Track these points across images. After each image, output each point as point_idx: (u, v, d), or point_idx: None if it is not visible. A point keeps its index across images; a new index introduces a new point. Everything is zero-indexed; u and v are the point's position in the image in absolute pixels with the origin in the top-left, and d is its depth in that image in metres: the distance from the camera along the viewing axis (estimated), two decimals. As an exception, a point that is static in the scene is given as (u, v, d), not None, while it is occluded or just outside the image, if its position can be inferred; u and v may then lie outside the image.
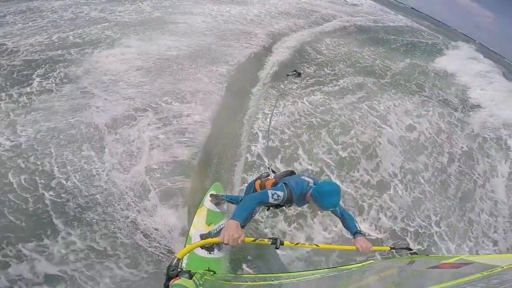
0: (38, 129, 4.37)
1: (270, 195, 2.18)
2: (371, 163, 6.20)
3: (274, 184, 2.68)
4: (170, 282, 1.37)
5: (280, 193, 2.26)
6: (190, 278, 1.40)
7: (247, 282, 1.88)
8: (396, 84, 10.83)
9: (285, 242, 1.87)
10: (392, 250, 2.39)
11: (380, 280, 1.88)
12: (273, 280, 1.70)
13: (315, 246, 2.05)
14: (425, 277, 1.43)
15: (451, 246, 5.10)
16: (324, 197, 2.15)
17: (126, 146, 4.48)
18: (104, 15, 9.33)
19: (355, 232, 2.30)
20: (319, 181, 2.46)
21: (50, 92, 5.25)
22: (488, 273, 0.88)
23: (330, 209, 2.23)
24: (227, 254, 3.35)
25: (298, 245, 2.01)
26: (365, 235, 2.28)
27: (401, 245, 2.42)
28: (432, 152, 7.42)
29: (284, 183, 2.38)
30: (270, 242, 1.84)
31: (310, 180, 2.47)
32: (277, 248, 1.85)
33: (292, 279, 1.67)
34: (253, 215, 2.79)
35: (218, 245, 3.16)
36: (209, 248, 3.10)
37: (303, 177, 2.53)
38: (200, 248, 3.05)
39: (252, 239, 1.82)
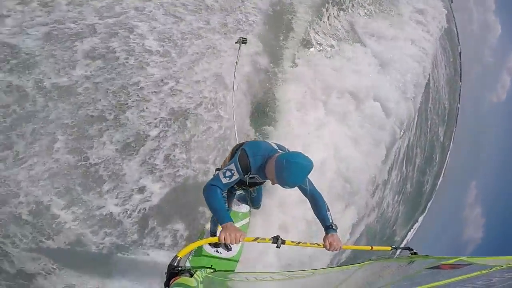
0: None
1: (221, 176, 1.84)
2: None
3: (231, 158, 2.16)
4: (171, 280, 1.38)
5: (232, 166, 1.87)
6: (191, 277, 1.41)
7: (247, 279, 1.88)
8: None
9: (286, 241, 1.86)
10: (392, 249, 2.39)
11: (381, 279, 1.88)
12: (272, 278, 1.71)
13: (316, 246, 2.04)
14: (425, 277, 1.44)
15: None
16: (293, 168, 1.69)
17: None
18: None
19: (328, 227, 1.92)
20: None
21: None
22: (487, 271, 0.89)
23: (288, 187, 1.78)
24: (238, 255, 3.26)
25: (300, 244, 1.99)
26: (337, 230, 1.91)
27: (401, 245, 2.42)
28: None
29: (241, 149, 1.95)
30: (271, 241, 1.83)
31: (275, 146, 2.01)
32: (278, 247, 1.84)
33: (291, 277, 1.68)
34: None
35: (226, 245, 3.14)
36: (216, 244, 3.11)
37: (268, 142, 2.07)
38: (209, 246, 3.08)
39: (253, 238, 1.82)
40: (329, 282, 1.69)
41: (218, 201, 1.76)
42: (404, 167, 7.38)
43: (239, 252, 3.22)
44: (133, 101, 3.75)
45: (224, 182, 1.83)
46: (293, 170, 1.71)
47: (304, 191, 2.01)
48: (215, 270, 1.73)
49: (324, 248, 1.90)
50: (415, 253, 2.18)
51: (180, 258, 1.49)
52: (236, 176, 1.86)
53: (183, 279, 1.38)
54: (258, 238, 1.83)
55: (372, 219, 5.78)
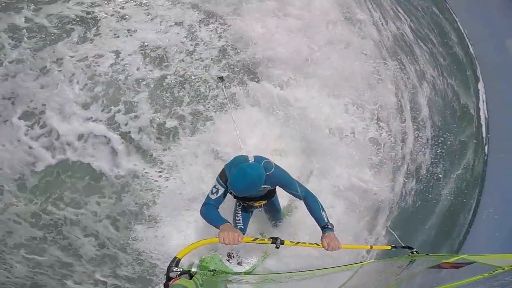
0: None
1: (210, 195, 2.06)
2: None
3: None
4: (170, 282, 1.37)
5: (215, 182, 2.08)
6: (190, 278, 1.40)
7: (247, 282, 1.88)
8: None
9: (286, 242, 1.86)
10: (393, 248, 2.39)
11: (381, 279, 1.88)
12: (272, 280, 1.71)
13: (315, 246, 2.03)
14: (425, 277, 1.43)
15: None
16: (237, 174, 1.89)
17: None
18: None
19: (324, 227, 1.99)
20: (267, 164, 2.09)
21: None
22: (489, 274, 0.88)
23: (234, 192, 2.01)
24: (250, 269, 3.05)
25: (299, 244, 1.98)
26: (333, 229, 1.98)
27: (402, 244, 2.40)
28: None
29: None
30: (270, 242, 1.83)
31: (251, 158, 2.13)
32: (277, 248, 1.84)
33: (291, 278, 1.67)
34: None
35: (238, 258, 3.07)
36: (229, 255, 2.98)
37: (247, 156, 2.19)
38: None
39: (252, 238, 1.81)
40: (331, 283, 1.69)
41: (210, 213, 1.97)
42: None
43: (248, 271, 3.13)
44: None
45: (213, 198, 2.03)
46: (237, 175, 1.90)
47: (297, 196, 2.11)
48: (215, 273, 1.73)
49: (323, 248, 1.91)
50: (415, 252, 2.18)
51: (180, 259, 1.48)
52: (221, 190, 2.05)
53: (183, 280, 1.37)
54: (257, 238, 1.82)
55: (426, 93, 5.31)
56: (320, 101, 4.25)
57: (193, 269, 1.47)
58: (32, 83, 3.98)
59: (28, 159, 3.70)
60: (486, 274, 0.88)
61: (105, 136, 3.86)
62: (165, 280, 1.43)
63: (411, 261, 1.94)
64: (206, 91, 4.22)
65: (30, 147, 3.74)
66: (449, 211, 4.73)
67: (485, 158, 5.18)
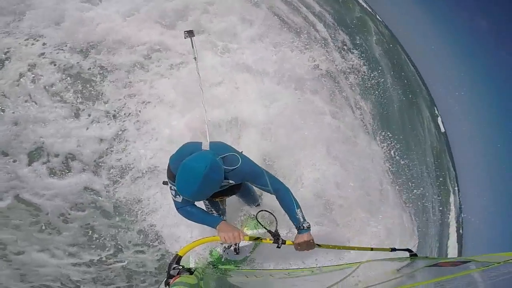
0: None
1: (173, 198, 1.75)
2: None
3: None
4: (172, 280, 1.39)
5: (169, 184, 1.72)
6: (191, 274, 1.42)
7: (247, 277, 1.88)
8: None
9: (287, 241, 1.86)
10: (393, 251, 2.39)
11: (380, 279, 1.88)
12: (271, 275, 1.71)
13: (316, 246, 2.03)
14: (424, 276, 1.44)
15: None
16: (180, 170, 1.47)
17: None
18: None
19: (298, 228, 1.77)
20: (233, 156, 1.69)
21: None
22: (486, 268, 0.90)
23: (182, 195, 1.59)
24: (241, 261, 2.94)
25: None
26: (310, 229, 1.77)
27: (402, 246, 2.40)
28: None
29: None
30: (272, 241, 1.84)
31: (205, 146, 1.69)
32: (279, 247, 1.84)
33: (290, 276, 1.68)
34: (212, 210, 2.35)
35: (235, 248, 3.01)
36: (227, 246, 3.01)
37: (201, 142, 1.74)
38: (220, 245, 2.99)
39: (254, 237, 1.82)
40: (329, 282, 1.69)
41: (194, 215, 1.77)
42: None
43: (244, 259, 3.13)
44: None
45: (179, 201, 1.74)
46: (180, 177, 1.48)
47: (267, 191, 1.78)
48: (214, 267, 1.74)
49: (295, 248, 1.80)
50: (415, 255, 2.18)
51: (181, 256, 1.50)
52: (179, 195, 1.71)
53: (184, 277, 1.39)
54: (258, 237, 1.83)
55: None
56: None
57: (192, 265, 1.49)
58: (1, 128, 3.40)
59: (78, 188, 3.31)
60: (483, 268, 0.90)
61: (119, 128, 3.53)
62: (166, 278, 1.45)
63: (409, 262, 1.94)
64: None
65: (69, 181, 3.31)
66: (405, 81, 5.35)
67: (391, 32, 5.97)
